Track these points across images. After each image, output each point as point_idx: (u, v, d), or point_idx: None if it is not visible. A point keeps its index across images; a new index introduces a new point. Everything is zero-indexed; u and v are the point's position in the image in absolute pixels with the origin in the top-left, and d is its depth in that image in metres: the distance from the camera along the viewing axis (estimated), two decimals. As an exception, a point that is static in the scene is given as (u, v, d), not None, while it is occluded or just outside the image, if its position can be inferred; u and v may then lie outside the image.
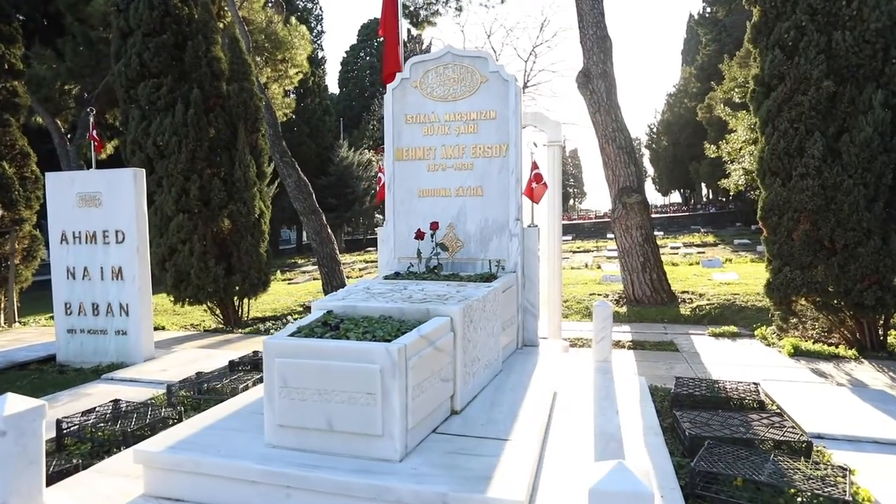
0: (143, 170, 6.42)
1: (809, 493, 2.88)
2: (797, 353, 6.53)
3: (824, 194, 6.11)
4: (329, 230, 12.23)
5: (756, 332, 7.65)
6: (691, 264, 14.94)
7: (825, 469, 3.10)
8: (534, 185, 4.59)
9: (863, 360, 6.26)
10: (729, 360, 6.40)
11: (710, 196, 45.13)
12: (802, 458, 3.34)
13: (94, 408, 4.25)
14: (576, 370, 4.68)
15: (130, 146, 8.40)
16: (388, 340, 2.47)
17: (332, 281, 11.67)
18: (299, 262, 25.89)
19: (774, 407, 4.42)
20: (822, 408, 4.36)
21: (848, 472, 3.04)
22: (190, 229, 8.25)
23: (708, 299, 9.40)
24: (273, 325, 8.77)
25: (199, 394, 4.83)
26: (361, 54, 41.59)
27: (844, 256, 6.18)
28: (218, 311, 9.01)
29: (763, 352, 6.82)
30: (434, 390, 2.71)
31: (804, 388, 5.06)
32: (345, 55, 41.92)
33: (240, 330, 8.61)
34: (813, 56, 6.05)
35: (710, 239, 22.66)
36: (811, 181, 6.14)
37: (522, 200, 4.51)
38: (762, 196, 6.79)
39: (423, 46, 47.69)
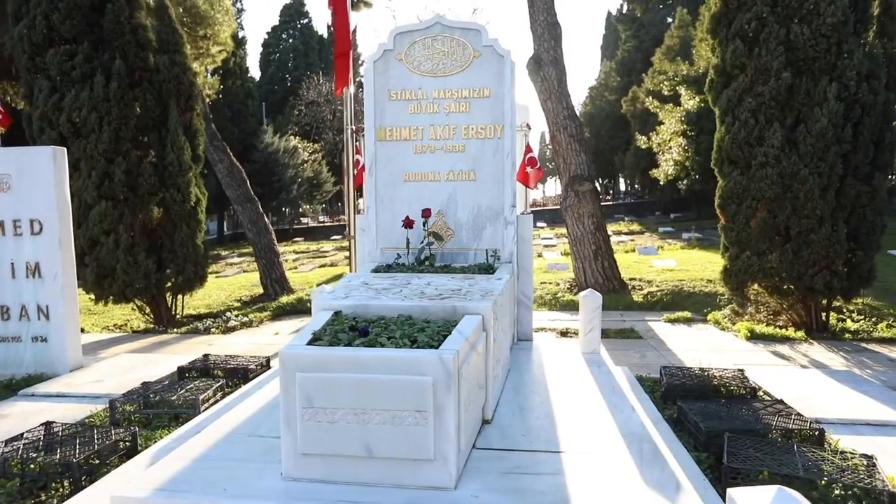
0: (64, 149, 5.52)
1: (842, 485, 2.83)
2: (753, 336, 6.76)
3: (782, 183, 6.32)
4: (266, 219, 11.42)
5: (709, 317, 7.88)
6: (627, 252, 15.39)
7: (851, 458, 3.08)
8: (528, 169, 4.31)
9: (812, 341, 6.57)
10: (694, 346, 6.51)
11: (631, 186, 47.25)
12: (816, 446, 3.33)
13: (22, 434, 3.53)
14: (567, 363, 4.48)
15: (38, 122, 7.28)
16: (433, 346, 2.10)
17: (272, 273, 10.91)
18: (223, 253, 24.38)
19: (762, 393, 4.45)
20: (805, 392, 4.44)
21: (875, 461, 3.03)
22: (115, 219, 7.30)
23: (657, 286, 9.63)
24: (213, 322, 8.00)
25: (146, 407, 4.19)
26: (284, 36, 39.56)
27: (798, 243, 6.43)
28: (148, 310, 8.10)
29: (721, 336, 7.01)
30: (475, 399, 2.38)
31: (777, 372, 5.18)
32: (266, 36, 39.72)
33: (175, 330, 7.77)
34: (773, 47, 6.20)
35: (637, 227, 23.60)
36: (770, 170, 6.32)
37: (517, 186, 4.23)
38: (720, 185, 6.93)
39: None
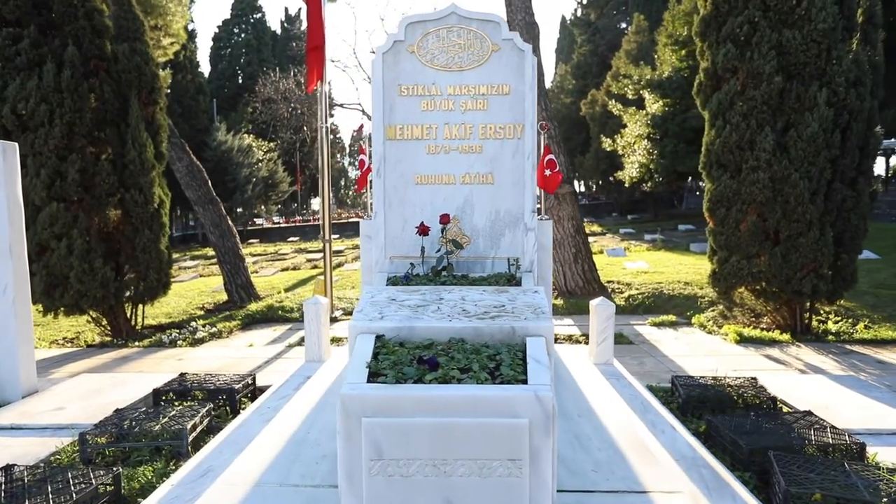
0: (15, 144, 4.88)
1: (906, 506, 2.71)
2: (742, 339, 6.77)
3: (773, 187, 6.33)
4: (229, 221, 10.76)
5: (693, 321, 7.89)
6: (596, 254, 15.45)
7: (905, 475, 2.97)
8: (546, 172, 4.06)
9: (799, 343, 6.63)
10: (688, 352, 6.45)
11: (588, 188, 48.07)
12: (858, 462, 3.23)
13: (-24, 479, 2.99)
14: (585, 376, 4.26)
15: (-24, 115, 6.50)
16: (520, 379, 1.80)
17: (237, 279, 10.28)
18: (174, 256, 23.12)
19: (781, 403, 4.35)
20: (822, 400, 4.38)
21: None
22: (68, 222, 6.61)
23: (637, 289, 9.62)
24: (179, 334, 7.38)
25: (120, 439, 3.69)
26: (236, 31, 38.11)
27: (787, 247, 6.46)
28: (104, 321, 7.40)
29: (710, 340, 7.00)
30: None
31: (780, 378, 5.13)
32: (217, 30, 38.16)
33: (136, 343, 7.12)
34: (765, 51, 6.20)
35: (597, 228, 23.93)
36: (762, 174, 6.32)
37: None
38: (709, 188, 6.92)
39: (303, 27, 45.00)
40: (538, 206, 3.98)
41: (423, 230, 3.69)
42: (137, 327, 7.72)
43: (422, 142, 3.88)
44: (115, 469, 3.09)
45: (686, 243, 16.05)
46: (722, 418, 3.82)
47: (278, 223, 35.53)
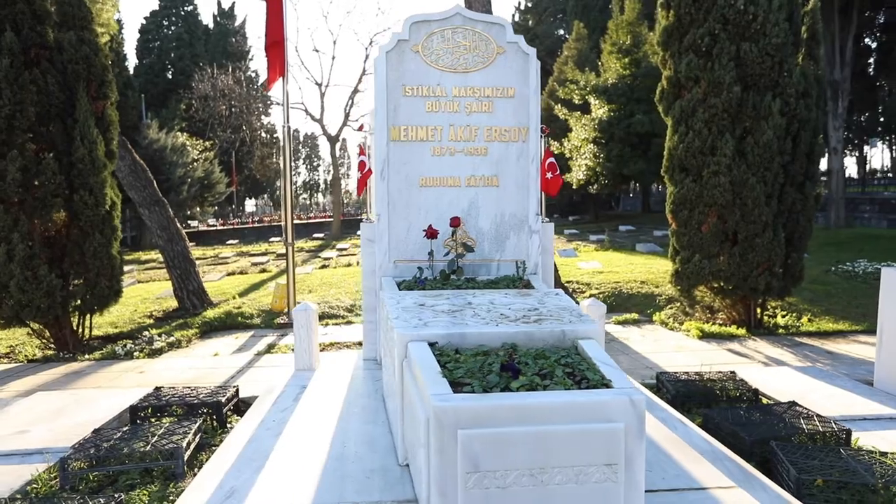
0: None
1: (901, 486, 2.93)
2: (704, 335, 7.13)
3: (733, 190, 6.71)
4: (178, 224, 10.17)
5: (654, 318, 8.22)
6: (547, 254, 15.81)
7: (893, 458, 3.21)
8: (548, 174, 4.10)
9: (755, 338, 7.06)
10: (657, 349, 6.71)
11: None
12: (847, 447, 3.46)
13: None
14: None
15: None
16: (605, 384, 1.79)
17: (188, 285, 9.72)
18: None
19: (750, 393, 4.60)
20: (794, 390, 4.67)
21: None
22: (8, 225, 6.02)
23: (596, 288, 9.91)
24: (134, 345, 6.89)
25: (103, 463, 3.40)
26: (165, 23, 36.05)
27: (744, 247, 6.86)
28: (48, 333, 6.80)
29: (674, 336, 7.32)
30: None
31: (749, 371, 5.42)
32: (144, 22, 35.94)
33: (87, 356, 6.59)
34: (725, 62, 6.56)
35: (542, 229, 24.43)
36: (723, 178, 6.68)
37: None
38: (671, 191, 7.23)
39: (238, 23, 43.30)
40: (541, 208, 4.00)
41: (432, 233, 3.63)
42: (85, 339, 7.14)
43: (427, 143, 3.81)
44: (117, 496, 2.84)
45: (631, 244, 16.72)
46: (716, 412, 3.99)
47: (214, 226, 33.99)
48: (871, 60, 26.60)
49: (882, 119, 36.92)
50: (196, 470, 3.50)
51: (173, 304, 9.93)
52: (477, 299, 2.93)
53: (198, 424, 3.79)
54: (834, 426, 3.67)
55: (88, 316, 7.09)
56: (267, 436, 3.12)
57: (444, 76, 3.81)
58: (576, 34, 25.16)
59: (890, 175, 36.74)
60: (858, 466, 3.12)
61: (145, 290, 12.67)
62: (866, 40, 25.92)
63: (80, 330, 7.08)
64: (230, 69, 24.53)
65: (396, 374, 2.33)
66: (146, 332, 7.70)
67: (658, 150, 19.38)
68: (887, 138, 42.96)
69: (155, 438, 3.55)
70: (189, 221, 35.63)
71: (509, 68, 3.85)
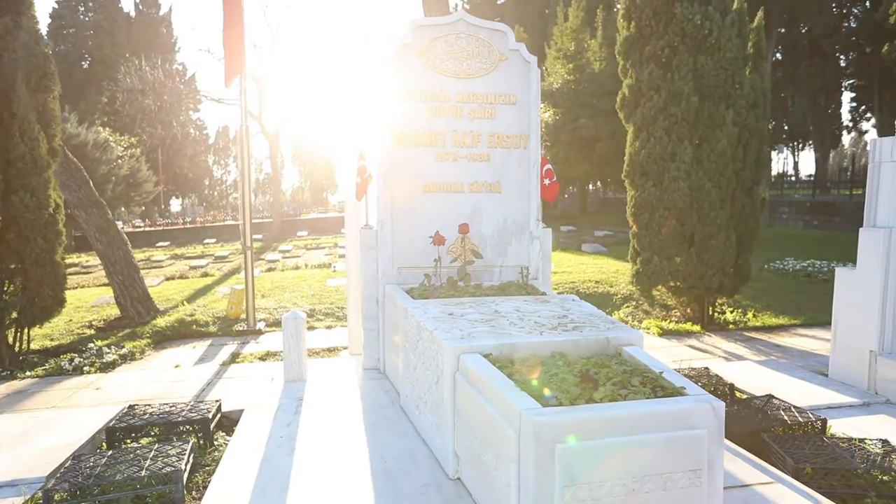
0: None
1: (880, 470, 3.21)
2: (664, 332, 7.48)
3: (691, 195, 7.08)
4: (118, 227, 9.50)
5: (614, 317, 8.54)
6: (497, 255, 16.04)
7: (870, 445, 3.50)
8: (546, 181, 4.16)
9: (709, 333, 7.49)
10: (624, 346, 6.97)
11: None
12: (823, 435, 3.75)
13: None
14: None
15: None
16: (681, 392, 1.84)
17: (132, 292, 9.09)
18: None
19: (727, 388, 4.88)
20: (761, 383, 4.99)
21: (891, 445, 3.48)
22: (-64, 230, 5.40)
23: (555, 288, 10.16)
24: (82, 359, 6.36)
25: (86, 493, 3.13)
26: (81, 8, 33.47)
27: (700, 248, 7.26)
28: (-20, 350, 6.16)
29: (636, 334, 7.63)
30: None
31: (713, 365, 5.75)
32: (56, 6, 33.21)
33: (28, 373, 6.02)
34: (684, 73, 6.92)
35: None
36: (682, 183, 7.04)
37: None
38: (632, 195, 7.54)
39: (163, 12, 40.93)
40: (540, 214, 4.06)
41: (439, 240, 3.60)
42: (22, 354, 6.52)
43: (430, 148, 3.77)
44: (125, 529, 2.62)
45: (576, 244, 17.25)
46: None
47: (141, 227, 31.93)
48: (780, 74, 28.93)
49: (786, 127, 40.48)
50: (195, 493, 3.30)
51: (114, 312, 9.26)
52: (502, 307, 2.92)
53: (191, 444, 3.56)
54: (811, 416, 3.96)
55: (26, 329, 6.48)
56: (279, 453, 2.97)
57: (447, 81, 3.77)
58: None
59: (793, 178, 40.35)
60: (843, 453, 3.38)
61: (76, 298, 11.71)
62: (777, 55, 28.23)
63: (17, 344, 6.47)
64: (159, 61, 23.15)
65: (445, 387, 2.29)
66: (91, 344, 7.13)
67: (601, 154, 20.14)
68: (790, 145, 47.07)
69: (148, 461, 3.31)
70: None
71: (511, 75, 3.88)
